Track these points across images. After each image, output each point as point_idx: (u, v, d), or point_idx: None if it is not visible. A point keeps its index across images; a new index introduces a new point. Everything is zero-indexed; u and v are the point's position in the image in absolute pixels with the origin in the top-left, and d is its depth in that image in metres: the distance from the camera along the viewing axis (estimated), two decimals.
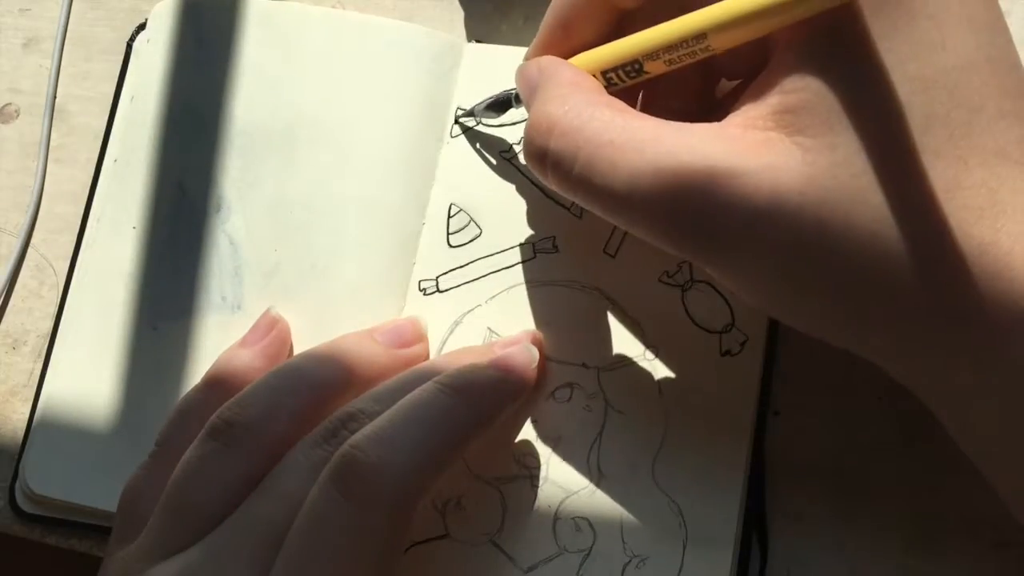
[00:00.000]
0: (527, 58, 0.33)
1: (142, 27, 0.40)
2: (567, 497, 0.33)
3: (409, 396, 0.31)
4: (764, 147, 0.26)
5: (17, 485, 0.36)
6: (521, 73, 0.32)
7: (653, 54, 0.28)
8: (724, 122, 0.27)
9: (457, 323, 0.36)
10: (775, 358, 0.34)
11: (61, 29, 0.41)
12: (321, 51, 0.39)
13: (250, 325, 0.36)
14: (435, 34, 0.39)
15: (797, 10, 0.25)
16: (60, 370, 0.37)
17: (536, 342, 0.34)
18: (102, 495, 0.35)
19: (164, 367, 0.36)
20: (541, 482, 0.34)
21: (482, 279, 0.36)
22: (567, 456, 0.34)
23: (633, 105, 0.31)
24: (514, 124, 0.38)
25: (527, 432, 0.34)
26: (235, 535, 0.29)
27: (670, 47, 0.28)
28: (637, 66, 0.29)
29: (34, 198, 0.40)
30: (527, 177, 0.37)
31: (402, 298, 0.37)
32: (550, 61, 0.31)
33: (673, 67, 0.29)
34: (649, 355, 0.34)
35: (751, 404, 0.33)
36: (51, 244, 0.40)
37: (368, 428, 0.30)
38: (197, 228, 0.38)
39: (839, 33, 0.25)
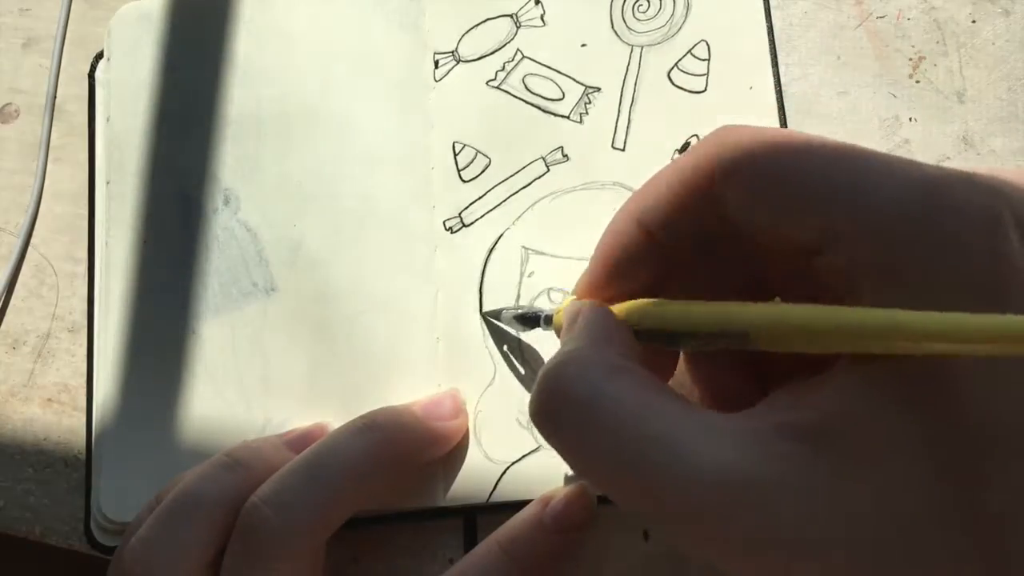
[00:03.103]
0: (577, 289, 0.30)
1: (100, 56, 0.40)
2: None
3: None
4: (791, 463, 0.22)
5: (92, 516, 0.36)
6: (567, 312, 0.30)
7: (688, 335, 0.25)
8: (755, 416, 0.24)
9: (493, 247, 0.36)
10: None
11: (61, 29, 0.42)
12: (290, 25, 0.39)
13: (288, 303, 0.36)
14: None
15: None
16: (106, 397, 0.36)
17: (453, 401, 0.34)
18: None
19: (212, 366, 0.36)
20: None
21: (504, 204, 0.37)
22: None
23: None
24: (494, 53, 0.38)
25: None
26: None
27: (708, 336, 0.25)
28: (672, 338, 0.26)
29: (34, 198, 0.40)
30: (519, 98, 0.37)
31: (432, 242, 0.36)
32: (594, 315, 0.28)
33: (708, 349, 0.26)
34: None
35: None
36: (51, 244, 0.40)
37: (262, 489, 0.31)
38: (211, 226, 0.38)
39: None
